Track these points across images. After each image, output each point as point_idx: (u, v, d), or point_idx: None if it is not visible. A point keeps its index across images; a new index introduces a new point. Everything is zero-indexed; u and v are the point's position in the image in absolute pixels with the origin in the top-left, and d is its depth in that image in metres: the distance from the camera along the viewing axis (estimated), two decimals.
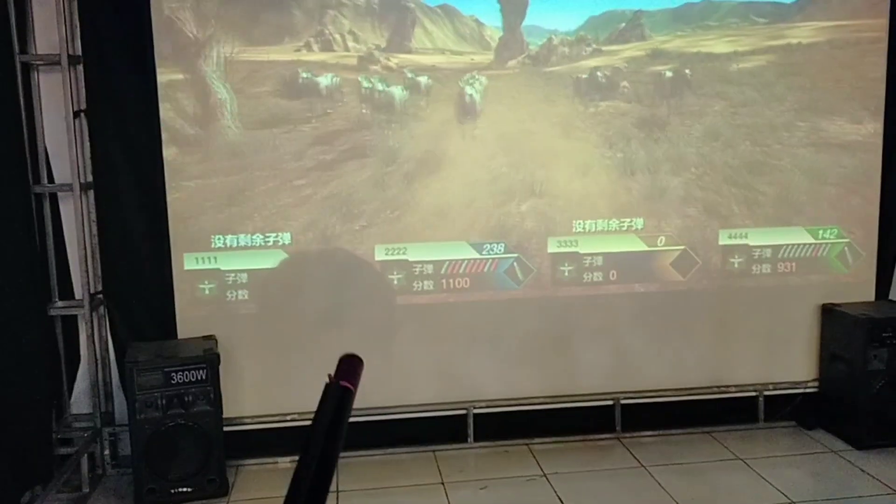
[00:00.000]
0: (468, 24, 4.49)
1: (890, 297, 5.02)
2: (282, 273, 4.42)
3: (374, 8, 4.38)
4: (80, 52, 4.21)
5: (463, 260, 4.56)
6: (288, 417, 4.45)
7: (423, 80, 4.41)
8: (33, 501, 3.91)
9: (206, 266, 4.36)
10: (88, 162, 4.31)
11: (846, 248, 4.89)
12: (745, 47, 4.66)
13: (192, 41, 4.21)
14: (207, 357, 4.08)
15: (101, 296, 4.42)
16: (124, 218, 4.36)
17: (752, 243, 4.80)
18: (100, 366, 4.43)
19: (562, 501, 4.04)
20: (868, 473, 4.27)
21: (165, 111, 4.23)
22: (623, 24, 4.59)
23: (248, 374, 4.42)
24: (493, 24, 4.49)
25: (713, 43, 4.64)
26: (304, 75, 4.31)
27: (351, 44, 4.36)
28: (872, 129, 4.79)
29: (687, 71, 4.63)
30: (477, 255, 4.57)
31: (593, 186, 4.61)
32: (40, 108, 4.26)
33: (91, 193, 4.34)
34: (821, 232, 4.86)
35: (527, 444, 4.70)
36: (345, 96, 4.37)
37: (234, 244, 4.37)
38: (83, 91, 4.25)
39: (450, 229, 4.52)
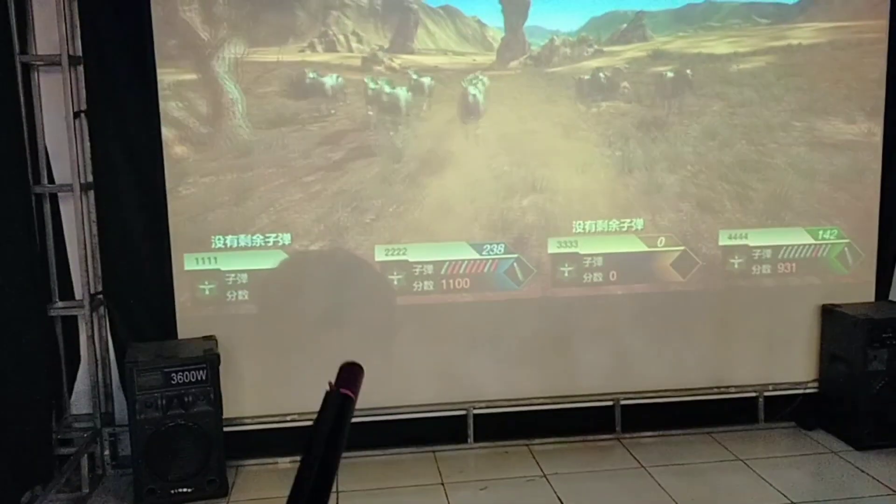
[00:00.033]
0: (470, 25, 4.49)
1: (890, 298, 5.02)
2: (282, 273, 4.42)
3: (377, 9, 4.38)
4: (80, 52, 4.20)
5: (463, 260, 4.56)
6: (288, 418, 4.45)
7: (426, 80, 4.42)
8: (33, 501, 3.91)
9: (207, 266, 4.36)
10: (88, 162, 4.31)
11: (846, 249, 4.89)
12: (747, 48, 4.66)
13: (195, 41, 4.21)
14: (207, 357, 4.08)
15: (101, 296, 4.42)
16: (124, 218, 4.36)
17: (752, 244, 4.80)
18: (100, 366, 4.43)
19: (562, 502, 4.04)
20: (868, 474, 4.27)
21: (173, 111, 4.22)
22: (625, 25, 4.59)
23: (248, 375, 4.42)
24: (495, 25, 4.49)
25: (714, 44, 4.64)
26: (311, 75, 4.32)
27: (354, 44, 4.36)
28: (873, 129, 4.79)
29: (688, 71, 4.63)
30: (477, 256, 4.57)
31: (593, 184, 4.61)
32: (40, 109, 4.26)
33: (91, 193, 4.34)
34: (821, 232, 4.86)
35: (527, 445, 4.71)
36: (349, 97, 4.37)
37: (235, 244, 4.37)
38: (83, 91, 4.25)
39: (453, 225, 4.52)
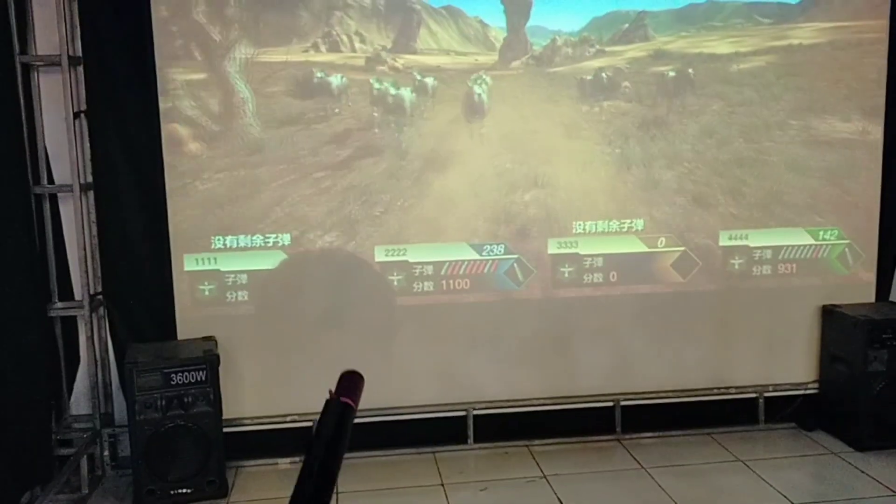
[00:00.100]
0: (472, 25, 4.49)
1: (890, 299, 5.02)
2: (282, 274, 4.42)
3: (380, 9, 4.38)
4: (80, 52, 4.20)
5: (463, 261, 4.56)
6: (288, 418, 4.45)
7: (429, 81, 4.43)
8: (32, 502, 3.91)
9: (206, 267, 4.36)
10: (88, 162, 4.30)
11: (846, 250, 4.89)
12: (748, 48, 4.65)
13: (207, 42, 4.21)
14: (207, 358, 4.08)
15: (100, 297, 4.41)
16: (124, 218, 4.36)
17: (752, 244, 4.80)
18: (99, 367, 4.43)
19: (562, 503, 4.04)
20: (868, 475, 4.27)
21: (187, 109, 4.23)
22: (626, 25, 4.58)
23: (247, 375, 4.41)
24: (497, 25, 4.48)
25: (716, 44, 4.63)
26: (319, 75, 4.32)
27: (358, 45, 4.37)
28: (873, 130, 4.79)
29: (690, 70, 4.62)
30: (477, 257, 4.57)
31: (594, 182, 4.61)
32: (40, 109, 4.25)
33: (91, 194, 4.33)
34: (821, 233, 4.86)
35: (527, 446, 4.70)
36: (353, 97, 4.37)
37: (234, 245, 4.36)
38: (83, 92, 4.24)
39: (457, 220, 4.52)
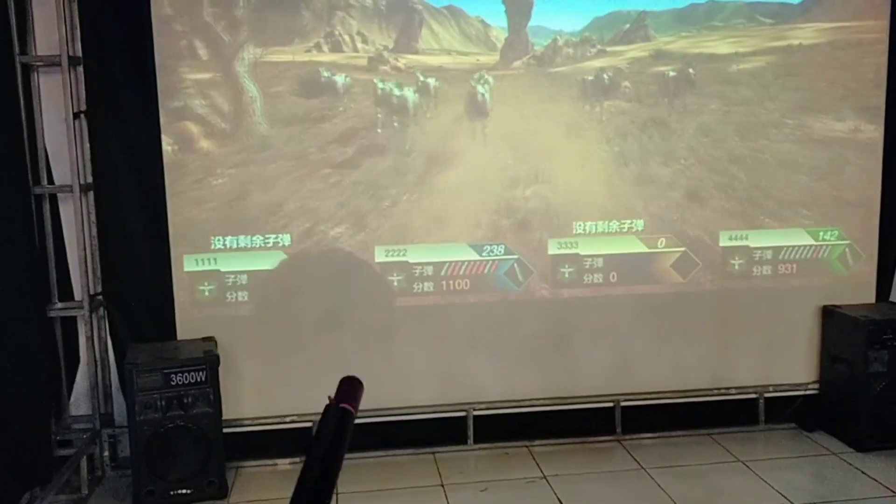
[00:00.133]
0: (474, 25, 4.49)
1: (890, 299, 5.01)
2: (281, 274, 4.42)
3: (382, 9, 4.38)
4: (80, 53, 4.19)
5: (463, 261, 4.55)
6: (287, 419, 4.45)
7: (431, 81, 4.43)
8: (32, 503, 3.91)
9: (206, 267, 4.36)
10: (88, 163, 4.30)
11: (847, 250, 4.89)
12: (748, 48, 4.65)
13: (217, 42, 4.21)
14: (207, 358, 4.08)
15: (100, 297, 4.41)
16: (124, 219, 4.35)
17: (752, 245, 4.80)
18: (99, 367, 4.43)
19: (562, 503, 4.06)
20: (868, 476, 4.27)
21: (198, 108, 4.24)
22: (628, 25, 4.58)
23: (247, 376, 4.41)
24: (498, 25, 4.48)
25: (716, 44, 4.63)
26: (326, 74, 4.33)
27: (360, 45, 4.37)
28: (873, 130, 4.78)
29: (690, 70, 4.62)
30: (477, 257, 4.56)
31: (594, 182, 4.61)
32: (40, 109, 4.25)
33: (91, 194, 4.33)
34: (821, 233, 4.85)
35: (527, 446, 4.70)
36: (357, 97, 4.37)
37: (234, 245, 4.36)
38: (83, 92, 4.24)
39: (461, 216, 4.52)
